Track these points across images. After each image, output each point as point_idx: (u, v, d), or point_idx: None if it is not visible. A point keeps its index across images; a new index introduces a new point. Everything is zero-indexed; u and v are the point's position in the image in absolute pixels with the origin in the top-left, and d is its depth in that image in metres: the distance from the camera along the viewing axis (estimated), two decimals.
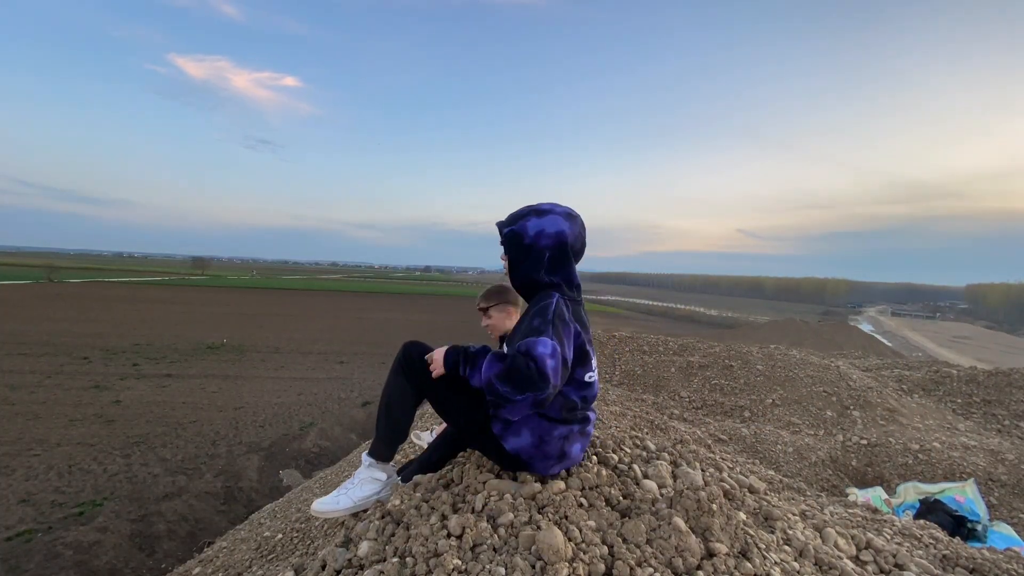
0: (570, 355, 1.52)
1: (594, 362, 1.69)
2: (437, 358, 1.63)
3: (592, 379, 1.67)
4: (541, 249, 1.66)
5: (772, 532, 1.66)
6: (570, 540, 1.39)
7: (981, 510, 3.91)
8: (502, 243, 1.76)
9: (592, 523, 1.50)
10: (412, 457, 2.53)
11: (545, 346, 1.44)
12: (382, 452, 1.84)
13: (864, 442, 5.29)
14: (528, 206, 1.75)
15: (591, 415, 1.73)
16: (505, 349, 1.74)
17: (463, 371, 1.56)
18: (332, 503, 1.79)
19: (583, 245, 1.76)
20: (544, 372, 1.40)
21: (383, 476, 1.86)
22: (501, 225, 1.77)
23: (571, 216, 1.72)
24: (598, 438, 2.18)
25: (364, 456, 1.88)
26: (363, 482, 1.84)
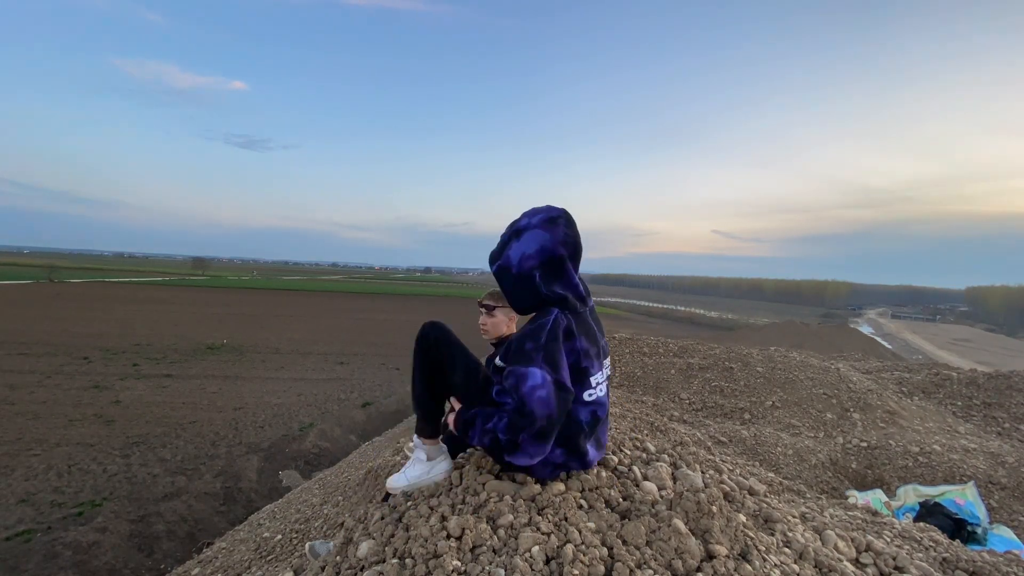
0: (567, 377, 1.52)
1: (597, 377, 1.64)
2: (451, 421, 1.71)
3: (592, 397, 1.63)
4: (529, 272, 1.62)
5: (772, 534, 1.66)
6: (569, 542, 1.39)
7: (981, 513, 3.91)
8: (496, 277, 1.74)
9: (592, 525, 1.50)
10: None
11: (534, 378, 1.44)
12: (424, 429, 1.86)
13: (864, 444, 5.29)
14: (510, 226, 1.70)
15: (591, 450, 1.68)
16: (497, 359, 1.72)
17: (464, 430, 1.62)
18: (394, 480, 1.84)
19: (575, 244, 1.67)
20: (529, 408, 1.42)
21: (431, 454, 1.86)
22: (492, 258, 1.74)
23: (551, 221, 1.64)
24: None
25: (414, 438, 1.90)
26: (415, 462, 1.86)
